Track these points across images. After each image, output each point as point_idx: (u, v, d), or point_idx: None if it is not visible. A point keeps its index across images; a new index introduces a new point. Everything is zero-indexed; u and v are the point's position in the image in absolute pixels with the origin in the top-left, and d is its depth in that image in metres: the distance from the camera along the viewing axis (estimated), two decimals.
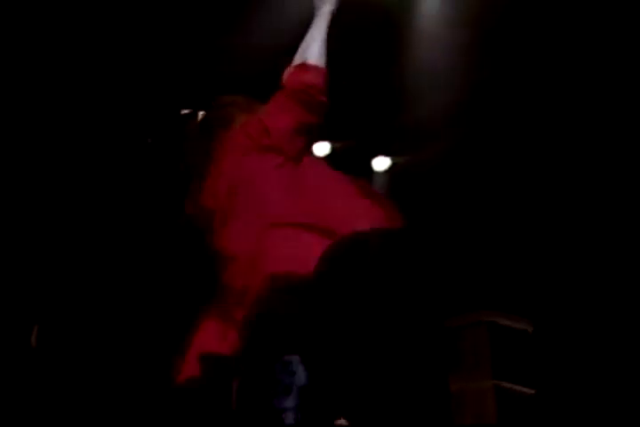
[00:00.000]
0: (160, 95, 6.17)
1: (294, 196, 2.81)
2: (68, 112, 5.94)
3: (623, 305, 5.47)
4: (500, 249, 6.04)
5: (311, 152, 3.19)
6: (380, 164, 6.65)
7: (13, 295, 5.33)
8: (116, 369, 5.41)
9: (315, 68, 2.95)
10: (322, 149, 6.34)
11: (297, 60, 3.02)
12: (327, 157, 6.27)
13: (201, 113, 6.02)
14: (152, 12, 5.93)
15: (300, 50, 3.05)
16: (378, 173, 6.69)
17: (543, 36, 5.84)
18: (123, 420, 4.96)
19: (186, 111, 6.28)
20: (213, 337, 2.73)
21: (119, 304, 5.69)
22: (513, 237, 6.07)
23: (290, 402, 2.48)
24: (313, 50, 3.02)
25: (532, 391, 5.50)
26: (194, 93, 6.02)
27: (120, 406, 5.17)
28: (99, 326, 5.49)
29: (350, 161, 6.41)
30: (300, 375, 2.48)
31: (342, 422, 2.52)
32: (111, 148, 6.05)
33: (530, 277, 5.87)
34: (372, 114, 6.38)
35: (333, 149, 6.42)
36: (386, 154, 6.72)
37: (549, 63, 5.87)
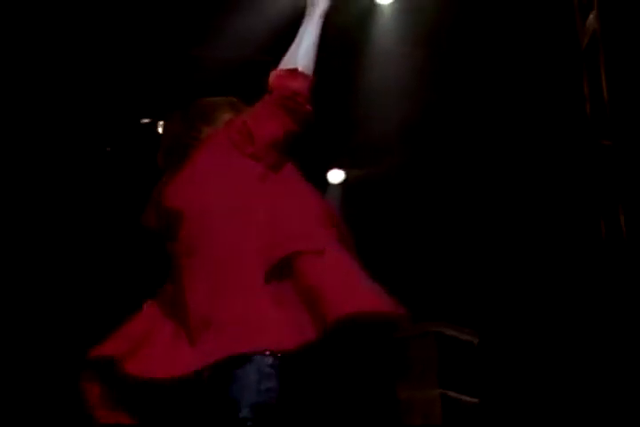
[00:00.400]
0: (121, 105, 6.18)
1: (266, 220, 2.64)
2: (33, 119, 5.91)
3: (561, 318, 5.53)
4: (448, 263, 6.10)
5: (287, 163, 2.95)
6: (335, 176, 6.74)
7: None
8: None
9: (303, 75, 2.83)
10: None
11: (286, 62, 2.89)
12: None
13: (161, 123, 6.11)
14: (121, 20, 5.88)
15: (289, 52, 2.93)
16: (333, 185, 6.76)
17: (491, 57, 6.05)
18: None
19: (146, 121, 6.40)
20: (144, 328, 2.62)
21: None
22: (460, 251, 6.13)
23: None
24: (303, 55, 2.90)
25: (476, 400, 5.55)
26: (156, 104, 6.18)
27: None
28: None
29: (306, 173, 6.72)
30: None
31: None
32: (72, 154, 5.98)
33: (476, 290, 5.93)
34: (329, 129, 6.28)
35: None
36: (340, 167, 6.84)
37: (496, 82, 6.05)
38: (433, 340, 5.68)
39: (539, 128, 5.80)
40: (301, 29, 2.98)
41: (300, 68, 2.84)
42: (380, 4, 6.13)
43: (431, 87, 6.25)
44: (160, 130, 6.06)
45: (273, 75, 2.85)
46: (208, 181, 2.73)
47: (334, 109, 6.26)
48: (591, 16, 5.22)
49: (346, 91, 6.35)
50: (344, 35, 6.04)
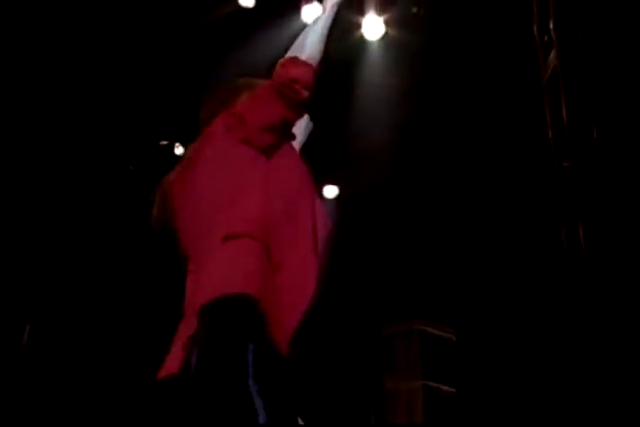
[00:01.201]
0: (142, 128, 6.27)
1: (253, 197, 2.57)
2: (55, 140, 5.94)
3: (527, 318, 5.58)
4: (432, 270, 6.17)
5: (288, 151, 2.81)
6: (330, 191, 6.89)
7: (6, 296, 5.24)
8: (104, 367, 5.31)
9: (305, 63, 2.70)
10: None
11: (293, 50, 2.82)
12: None
13: (177, 144, 6.34)
14: (136, 47, 5.94)
15: (297, 41, 2.86)
16: (327, 199, 6.85)
17: (466, 88, 6.15)
18: (111, 416, 4.90)
19: (164, 143, 6.59)
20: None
21: (108, 304, 5.59)
22: (442, 261, 6.21)
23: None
24: (310, 44, 2.80)
25: (454, 390, 5.70)
26: (174, 126, 6.23)
27: (109, 404, 5.10)
28: (87, 325, 5.39)
29: None
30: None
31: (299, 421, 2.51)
32: (97, 173, 6.02)
33: (455, 294, 6.01)
34: (324, 147, 6.61)
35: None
36: (334, 183, 7.00)
37: (471, 110, 6.16)
38: (417, 337, 5.80)
39: (509, 151, 5.84)
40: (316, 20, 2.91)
41: (303, 57, 2.73)
42: (369, 41, 6.25)
43: (413, 113, 6.28)
44: (177, 151, 6.17)
45: (278, 63, 2.72)
46: (204, 168, 2.63)
47: (329, 130, 6.22)
48: (552, 54, 5.29)
49: (340, 115, 6.40)
50: (338, 67, 6.11)
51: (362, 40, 6.21)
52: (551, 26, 5.37)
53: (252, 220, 2.50)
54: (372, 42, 6.26)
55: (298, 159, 2.79)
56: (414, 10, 6.09)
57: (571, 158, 5.17)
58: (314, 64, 2.71)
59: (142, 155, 6.13)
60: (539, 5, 5.46)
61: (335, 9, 2.85)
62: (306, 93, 2.62)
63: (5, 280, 5.13)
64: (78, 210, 5.69)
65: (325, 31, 2.81)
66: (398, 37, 6.15)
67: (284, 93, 2.59)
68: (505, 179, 5.88)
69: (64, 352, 5.21)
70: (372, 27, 6.16)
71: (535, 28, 5.50)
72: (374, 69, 6.33)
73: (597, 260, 4.78)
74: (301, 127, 3.08)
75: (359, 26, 6.18)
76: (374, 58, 6.29)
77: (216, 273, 2.39)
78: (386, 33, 6.16)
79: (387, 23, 6.17)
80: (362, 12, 6.17)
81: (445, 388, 5.67)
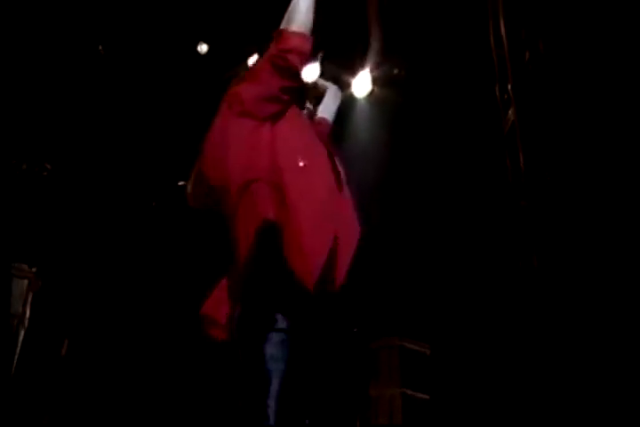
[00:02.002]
0: (163, 169, 6.32)
1: (261, 155, 2.54)
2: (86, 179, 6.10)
3: (493, 334, 5.61)
4: (412, 294, 6.26)
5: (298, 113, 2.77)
6: None
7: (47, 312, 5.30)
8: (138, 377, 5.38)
9: (294, 33, 2.63)
10: None
11: (284, 22, 2.70)
12: None
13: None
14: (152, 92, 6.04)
15: (287, 12, 2.71)
16: None
17: (438, 140, 6.36)
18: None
19: (182, 183, 6.70)
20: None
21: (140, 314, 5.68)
22: (423, 286, 6.27)
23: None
24: (295, 16, 2.67)
25: (428, 397, 5.82)
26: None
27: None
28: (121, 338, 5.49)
29: None
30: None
31: None
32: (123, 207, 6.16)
33: (431, 315, 6.13)
34: None
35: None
36: None
37: (443, 158, 6.34)
38: (397, 351, 5.94)
39: (477, 192, 5.99)
40: None
41: (293, 27, 2.64)
42: (357, 98, 6.55)
43: (393, 160, 6.45)
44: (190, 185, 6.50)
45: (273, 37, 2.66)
46: (213, 144, 2.63)
47: None
48: (510, 110, 5.56)
49: None
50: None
51: (352, 97, 6.47)
52: (509, 87, 5.62)
53: (260, 168, 2.50)
54: (359, 98, 6.52)
55: (304, 121, 2.77)
56: (396, 71, 6.36)
57: (526, 199, 5.39)
58: (305, 31, 2.66)
59: (164, 193, 6.15)
60: (499, 69, 5.70)
61: None
62: (297, 60, 2.60)
63: (46, 298, 5.26)
64: (109, 240, 5.87)
65: (310, 3, 2.71)
66: (383, 95, 6.44)
67: (277, 64, 2.59)
68: (473, 214, 6.02)
69: (100, 364, 5.35)
70: (361, 85, 6.46)
71: (496, 88, 5.72)
72: (362, 122, 6.57)
73: (549, 283, 4.97)
74: (332, 96, 3.17)
75: (349, 84, 6.43)
76: (361, 112, 6.57)
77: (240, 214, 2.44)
78: (372, 91, 6.49)
79: (373, 82, 6.47)
80: (352, 73, 6.45)
81: (421, 395, 5.82)
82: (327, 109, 3.13)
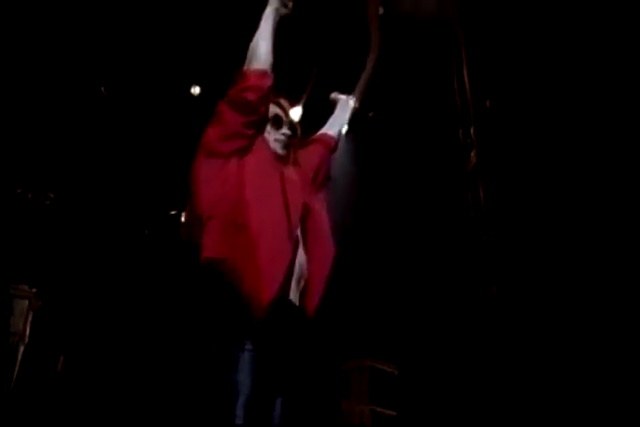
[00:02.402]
0: (156, 200, 6.52)
1: (228, 188, 2.58)
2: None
3: (454, 356, 5.77)
4: (381, 319, 6.41)
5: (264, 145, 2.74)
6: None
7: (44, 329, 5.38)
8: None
9: (251, 72, 2.68)
10: None
11: (246, 62, 2.73)
12: None
13: (183, 213, 6.57)
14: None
15: (249, 51, 2.75)
16: None
17: (410, 183, 6.54)
18: None
19: (173, 212, 6.49)
20: None
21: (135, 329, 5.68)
22: (392, 312, 6.40)
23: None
24: (254, 55, 2.72)
25: (394, 413, 5.97)
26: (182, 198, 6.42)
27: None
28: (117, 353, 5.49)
29: None
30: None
31: None
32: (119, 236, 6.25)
33: (398, 338, 6.27)
34: None
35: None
36: None
37: (412, 198, 6.46)
38: (367, 371, 6.09)
39: (442, 227, 6.16)
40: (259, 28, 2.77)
41: (253, 66, 2.70)
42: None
43: (363, 195, 6.61)
44: (182, 218, 5.97)
45: None
46: (191, 187, 2.67)
47: None
48: (472, 153, 5.78)
49: None
50: None
51: None
52: (472, 131, 5.82)
53: (227, 202, 2.55)
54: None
55: (266, 151, 2.74)
56: (370, 114, 6.52)
57: (488, 233, 5.59)
58: (263, 68, 2.70)
59: (156, 222, 6.45)
60: (463, 114, 5.86)
61: (275, 18, 2.77)
62: (254, 95, 2.64)
63: (45, 317, 5.39)
64: (105, 264, 6.01)
65: (268, 35, 2.74)
66: (355, 135, 6.12)
67: (234, 102, 2.66)
68: (439, 246, 6.18)
69: (94, 380, 5.43)
70: None
71: (460, 132, 5.89)
72: (338, 161, 6.88)
73: (507, 309, 5.19)
74: (341, 108, 3.21)
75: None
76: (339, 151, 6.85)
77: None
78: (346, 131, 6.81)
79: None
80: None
81: (388, 411, 5.98)
82: (335, 122, 3.19)
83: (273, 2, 2.81)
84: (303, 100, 6.23)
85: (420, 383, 5.95)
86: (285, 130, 2.84)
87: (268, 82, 2.70)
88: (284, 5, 2.82)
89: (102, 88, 6.02)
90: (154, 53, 5.93)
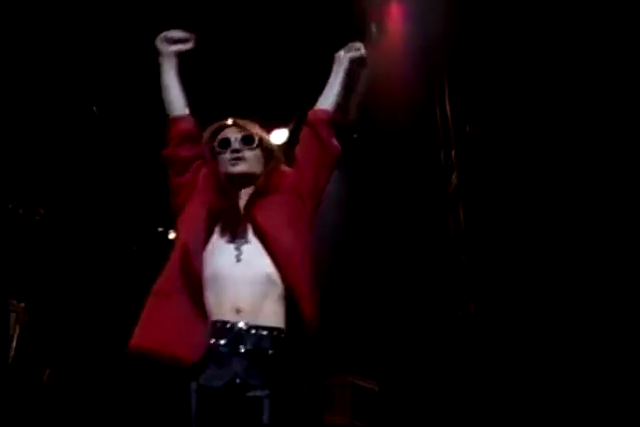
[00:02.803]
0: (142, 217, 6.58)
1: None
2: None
3: (433, 375, 5.82)
4: (363, 338, 6.49)
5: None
6: None
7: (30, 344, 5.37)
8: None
9: (170, 121, 2.73)
10: None
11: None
12: None
13: (170, 231, 6.65)
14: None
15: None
16: None
17: (392, 205, 6.58)
18: None
19: (161, 229, 6.66)
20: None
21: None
22: (372, 329, 6.48)
23: None
24: (166, 100, 2.73)
25: None
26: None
27: None
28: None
29: None
30: None
31: None
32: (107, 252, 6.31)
33: (379, 357, 6.34)
34: None
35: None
36: None
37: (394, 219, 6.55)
38: (349, 387, 6.11)
39: (423, 246, 6.25)
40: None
41: (173, 113, 2.72)
42: None
43: (350, 215, 6.66)
44: (170, 236, 6.24)
45: None
46: None
47: None
48: (453, 175, 5.94)
49: None
50: None
51: None
52: (453, 154, 5.98)
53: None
54: None
55: (209, 180, 2.74)
56: (354, 135, 6.59)
57: (466, 254, 5.74)
58: (177, 113, 2.72)
59: (144, 239, 6.55)
60: (444, 138, 6.07)
61: (169, 65, 2.75)
62: (175, 143, 2.68)
63: (30, 330, 5.38)
64: (93, 279, 6.08)
65: (173, 80, 2.74)
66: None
67: (165, 160, 2.73)
68: (419, 267, 6.27)
69: (80, 392, 5.46)
70: None
71: (442, 155, 6.07)
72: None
73: (484, 327, 5.32)
74: (336, 70, 2.89)
75: None
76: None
77: None
78: None
79: None
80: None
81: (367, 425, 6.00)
82: (329, 91, 2.89)
83: (161, 52, 2.76)
84: (292, 125, 6.27)
85: (399, 399, 6.04)
86: (234, 146, 2.72)
87: (182, 126, 2.70)
88: (175, 44, 2.76)
89: (94, 107, 5.96)
90: (144, 75, 5.94)
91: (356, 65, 2.88)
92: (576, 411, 4.37)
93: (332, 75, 2.88)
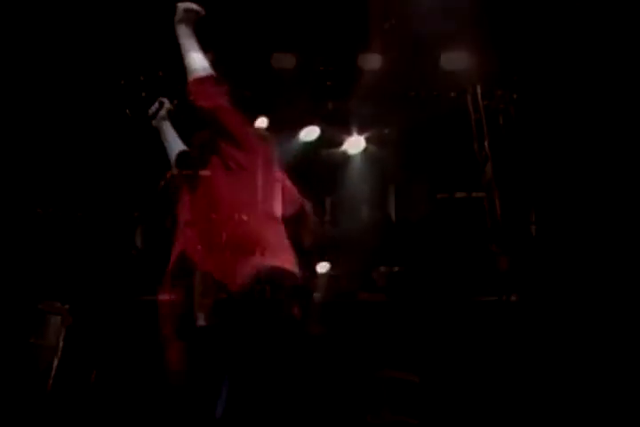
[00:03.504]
0: None
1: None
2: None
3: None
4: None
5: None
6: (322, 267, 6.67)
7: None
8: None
9: (191, 80, 2.82)
10: None
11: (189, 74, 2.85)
12: None
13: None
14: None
15: (187, 66, 2.85)
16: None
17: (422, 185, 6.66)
18: None
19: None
20: None
21: None
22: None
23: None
24: (191, 65, 2.83)
25: (417, 421, 5.78)
26: None
27: None
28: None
29: None
30: None
31: None
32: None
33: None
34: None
35: None
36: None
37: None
38: (391, 379, 5.84)
39: (456, 237, 6.35)
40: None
41: (194, 74, 2.83)
42: (351, 155, 6.84)
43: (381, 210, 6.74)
44: None
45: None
46: None
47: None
48: (488, 165, 5.92)
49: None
50: (324, 177, 6.74)
51: (345, 155, 6.81)
52: (486, 144, 5.99)
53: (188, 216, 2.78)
54: (353, 155, 6.80)
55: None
56: (386, 131, 6.65)
57: (498, 244, 5.72)
58: (205, 72, 2.83)
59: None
60: (477, 129, 6.03)
61: (187, 30, 2.86)
62: (200, 101, 2.77)
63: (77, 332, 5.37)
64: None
65: (194, 44, 2.86)
66: (375, 151, 6.70)
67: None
68: (454, 256, 6.28)
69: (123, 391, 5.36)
70: (355, 144, 6.78)
71: (475, 145, 6.05)
72: (355, 176, 6.86)
73: (524, 316, 5.32)
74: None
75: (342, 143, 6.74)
76: (354, 168, 6.84)
77: None
78: (366, 148, 6.77)
79: (367, 140, 6.76)
80: (348, 132, 6.77)
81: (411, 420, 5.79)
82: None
83: (177, 17, 2.88)
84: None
85: (440, 392, 5.96)
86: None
87: (212, 83, 2.80)
88: (189, 12, 2.87)
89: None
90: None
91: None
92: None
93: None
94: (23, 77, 5.54)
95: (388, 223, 6.61)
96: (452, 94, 6.02)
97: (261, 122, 6.23)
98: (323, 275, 6.72)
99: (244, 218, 2.61)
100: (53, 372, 5.15)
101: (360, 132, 6.75)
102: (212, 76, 2.81)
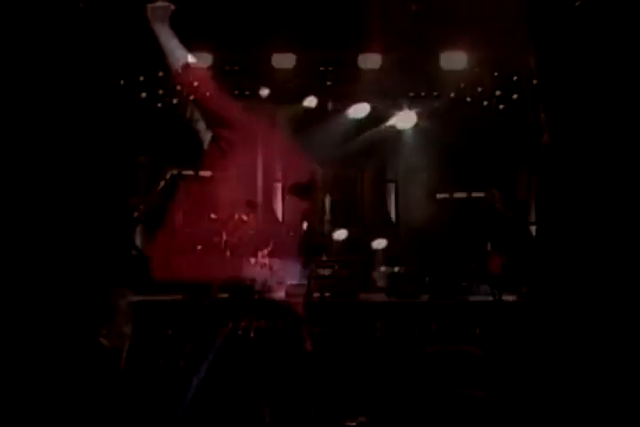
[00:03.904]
0: None
1: None
2: None
3: None
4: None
5: None
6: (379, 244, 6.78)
7: None
8: None
9: (175, 71, 2.96)
10: None
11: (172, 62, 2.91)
12: None
13: None
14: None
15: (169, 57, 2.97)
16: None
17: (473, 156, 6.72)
18: None
19: None
20: None
21: None
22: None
23: None
24: (169, 56, 2.99)
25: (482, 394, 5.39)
26: None
27: None
28: None
29: None
30: None
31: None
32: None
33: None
34: None
35: None
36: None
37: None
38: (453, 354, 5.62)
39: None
40: None
41: (180, 61, 2.99)
42: (403, 129, 6.86)
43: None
44: None
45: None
46: None
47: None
48: (545, 135, 5.93)
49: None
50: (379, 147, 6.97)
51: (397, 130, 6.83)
52: (542, 116, 6.00)
53: None
54: (405, 129, 6.84)
55: None
56: (436, 104, 6.63)
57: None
58: (185, 60, 2.97)
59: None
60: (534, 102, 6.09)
61: (162, 27, 2.95)
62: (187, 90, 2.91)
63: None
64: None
65: (170, 37, 2.97)
66: (426, 126, 6.75)
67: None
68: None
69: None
70: (406, 118, 6.79)
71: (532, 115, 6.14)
72: (407, 151, 6.94)
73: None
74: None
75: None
76: (407, 141, 6.91)
77: None
78: (417, 123, 6.81)
79: (418, 115, 6.80)
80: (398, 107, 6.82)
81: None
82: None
83: (150, 17, 3.00)
84: None
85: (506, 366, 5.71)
86: None
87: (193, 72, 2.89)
88: (157, 10, 3.00)
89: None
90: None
91: None
92: None
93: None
94: (23, 77, 5.54)
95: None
96: None
97: (310, 101, 6.27)
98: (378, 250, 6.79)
99: (244, 218, 2.62)
100: (124, 354, 5.22)
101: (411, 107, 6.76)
102: (193, 63, 2.96)
